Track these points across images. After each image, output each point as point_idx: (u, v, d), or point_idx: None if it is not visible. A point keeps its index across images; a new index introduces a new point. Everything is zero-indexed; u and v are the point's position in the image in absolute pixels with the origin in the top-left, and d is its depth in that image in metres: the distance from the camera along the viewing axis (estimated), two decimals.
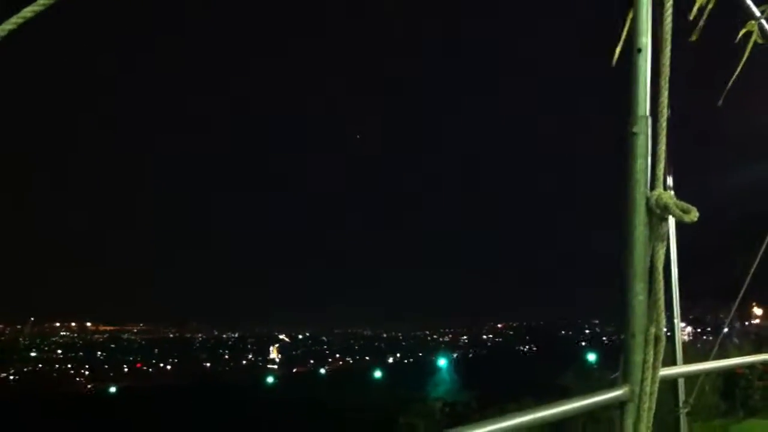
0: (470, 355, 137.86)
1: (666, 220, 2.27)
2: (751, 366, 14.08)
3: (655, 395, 2.29)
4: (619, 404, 2.30)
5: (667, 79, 2.34)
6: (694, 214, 2.22)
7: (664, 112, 2.32)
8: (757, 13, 3.87)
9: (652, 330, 2.29)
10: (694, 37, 3.61)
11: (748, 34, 3.91)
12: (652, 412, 2.28)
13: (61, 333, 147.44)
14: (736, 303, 8.12)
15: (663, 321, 2.31)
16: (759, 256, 6.47)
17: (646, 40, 2.35)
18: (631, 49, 2.38)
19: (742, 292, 7.27)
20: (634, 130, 2.30)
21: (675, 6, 2.43)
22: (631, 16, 2.45)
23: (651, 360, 2.28)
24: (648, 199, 2.27)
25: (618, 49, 2.90)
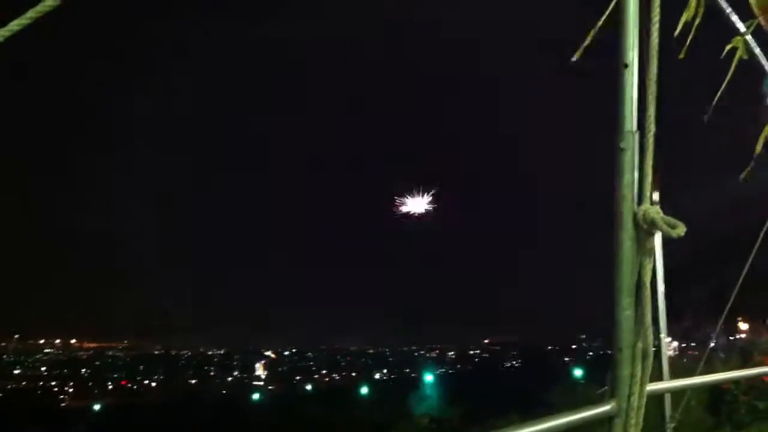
0: (452, 372, 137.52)
1: (653, 235, 2.27)
2: (736, 381, 14.09)
3: (643, 410, 2.28)
4: (607, 419, 2.29)
5: (654, 94, 2.34)
6: (681, 229, 2.21)
7: (651, 128, 2.31)
8: (743, 29, 3.90)
9: (639, 345, 2.28)
10: (682, 56, 3.62)
11: (734, 49, 3.93)
12: (640, 427, 2.27)
13: (45, 350, 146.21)
14: (723, 317, 8.14)
15: (650, 336, 2.30)
16: (744, 271, 6.50)
17: (632, 56, 2.34)
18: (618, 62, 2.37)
19: (729, 306, 7.30)
20: (622, 145, 2.29)
21: (661, 21, 2.44)
22: (609, 11, 2.45)
23: (639, 375, 2.27)
24: (635, 214, 2.26)
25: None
